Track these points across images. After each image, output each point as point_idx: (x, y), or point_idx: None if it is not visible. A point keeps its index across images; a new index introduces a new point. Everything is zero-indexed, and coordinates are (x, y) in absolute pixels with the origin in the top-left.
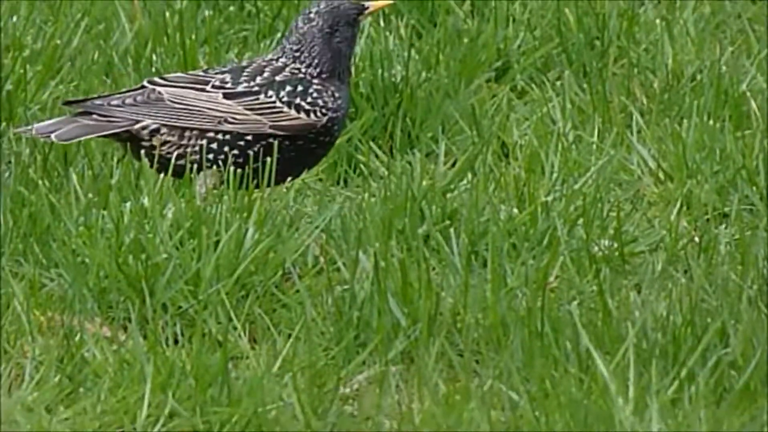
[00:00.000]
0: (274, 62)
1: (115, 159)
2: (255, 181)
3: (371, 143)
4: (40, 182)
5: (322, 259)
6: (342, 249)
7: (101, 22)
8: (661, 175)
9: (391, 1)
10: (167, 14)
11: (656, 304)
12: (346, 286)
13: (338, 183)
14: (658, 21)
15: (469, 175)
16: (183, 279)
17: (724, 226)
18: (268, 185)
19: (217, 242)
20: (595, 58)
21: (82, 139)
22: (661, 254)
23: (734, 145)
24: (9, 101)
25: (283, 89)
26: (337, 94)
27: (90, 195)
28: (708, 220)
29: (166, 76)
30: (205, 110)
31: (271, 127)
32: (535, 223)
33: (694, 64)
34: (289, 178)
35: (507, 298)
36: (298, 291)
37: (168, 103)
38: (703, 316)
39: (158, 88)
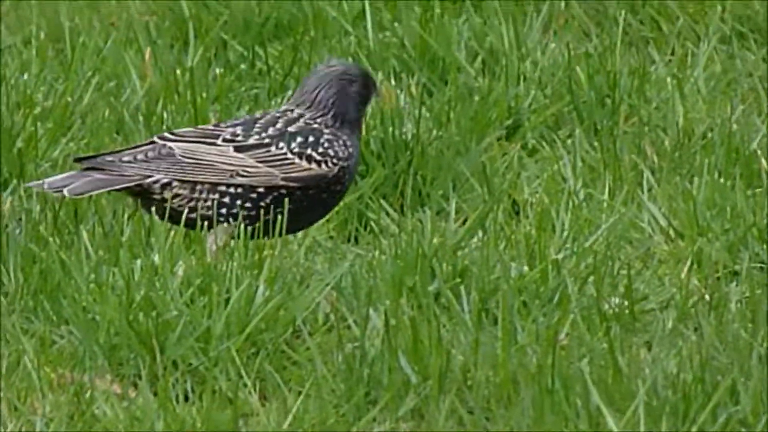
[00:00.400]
0: (288, 113)
1: (126, 216)
2: (266, 233)
3: (382, 201)
4: (50, 239)
5: (332, 317)
6: (352, 306)
7: (112, 80)
8: (672, 233)
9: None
10: (178, 72)
11: (667, 361)
12: (356, 344)
13: (349, 240)
14: (669, 79)
15: (480, 233)
16: (193, 336)
17: (734, 283)
18: (280, 235)
19: (228, 299)
20: (606, 115)
21: (94, 193)
22: (671, 312)
23: (745, 203)
24: (20, 158)
25: (294, 140)
26: (348, 143)
27: (100, 252)
28: (718, 278)
29: (176, 131)
30: (216, 164)
31: (282, 178)
32: (545, 281)
33: (704, 122)
34: (301, 229)
35: (517, 355)
36: (308, 348)
37: (179, 158)
38: (713, 374)
39: (169, 143)
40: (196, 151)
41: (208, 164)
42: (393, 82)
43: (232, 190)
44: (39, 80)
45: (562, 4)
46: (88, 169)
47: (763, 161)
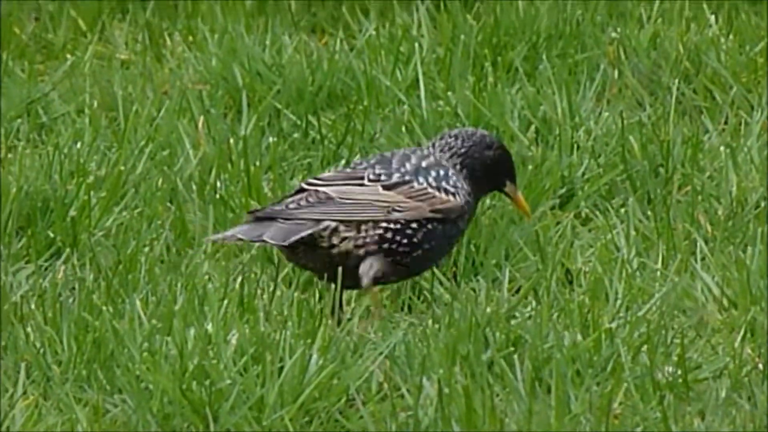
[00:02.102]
0: (419, 151)
1: (179, 284)
2: (405, 273)
3: (435, 269)
4: (104, 308)
5: (386, 386)
6: (406, 375)
7: (165, 149)
8: (725, 302)
9: (527, 215)
10: (231, 141)
11: (721, 430)
12: (410, 413)
13: (402, 309)
14: (722, 148)
15: (533, 302)
16: (247, 405)
17: None
18: (418, 273)
19: (281, 368)
20: (660, 185)
21: (293, 239)
22: (725, 381)
23: None
24: (73, 227)
25: (429, 175)
26: (468, 189)
27: (153, 321)
28: None
29: (320, 176)
30: (373, 202)
31: (430, 211)
32: (598, 350)
33: (758, 191)
34: (430, 266)
35: (571, 424)
36: (361, 417)
37: (338, 201)
38: None
39: (322, 189)
40: (350, 192)
41: (367, 203)
42: None
43: (391, 226)
44: (92, 149)
45: (616, 73)
46: (259, 219)
47: None
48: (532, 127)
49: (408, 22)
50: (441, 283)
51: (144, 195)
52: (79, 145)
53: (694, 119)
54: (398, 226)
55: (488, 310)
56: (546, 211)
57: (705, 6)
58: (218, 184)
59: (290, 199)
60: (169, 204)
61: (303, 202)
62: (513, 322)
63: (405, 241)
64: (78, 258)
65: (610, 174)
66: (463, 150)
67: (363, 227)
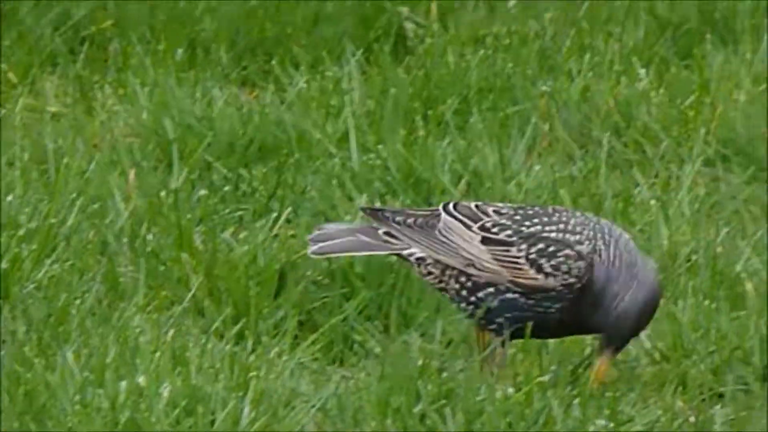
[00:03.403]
0: (580, 227)
1: (111, 336)
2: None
3: (367, 323)
4: (35, 360)
5: None
6: (338, 428)
7: (96, 201)
8: (657, 356)
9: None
10: (162, 193)
11: None
12: None
13: (334, 362)
14: (653, 202)
15: (466, 355)
16: None
17: (719, 406)
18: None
19: (213, 421)
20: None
21: (345, 255)
22: None
23: (729, 325)
24: (4, 279)
25: (537, 245)
26: (582, 277)
27: (86, 373)
28: (703, 400)
29: (459, 203)
30: (459, 248)
31: (509, 281)
32: (531, 403)
33: (689, 245)
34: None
35: None
36: None
37: (437, 232)
38: None
39: (444, 215)
40: (453, 230)
41: (455, 248)
42: (378, 204)
43: (470, 282)
44: (23, 201)
45: (546, 126)
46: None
47: (748, 284)
48: (463, 181)
49: (338, 75)
50: (373, 336)
51: (75, 247)
52: (10, 197)
53: (624, 173)
54: (473, 283)
55: (420, 362)
56: None
57: (635, 60)
58: (149, 237)
59: (411, 213)
60: (100, 257)
61: (410, 220)
62: (445, 374)
63: (482, 302)
64: (9, 310)
65: None
66: (607, 247)
67: (447, 271)
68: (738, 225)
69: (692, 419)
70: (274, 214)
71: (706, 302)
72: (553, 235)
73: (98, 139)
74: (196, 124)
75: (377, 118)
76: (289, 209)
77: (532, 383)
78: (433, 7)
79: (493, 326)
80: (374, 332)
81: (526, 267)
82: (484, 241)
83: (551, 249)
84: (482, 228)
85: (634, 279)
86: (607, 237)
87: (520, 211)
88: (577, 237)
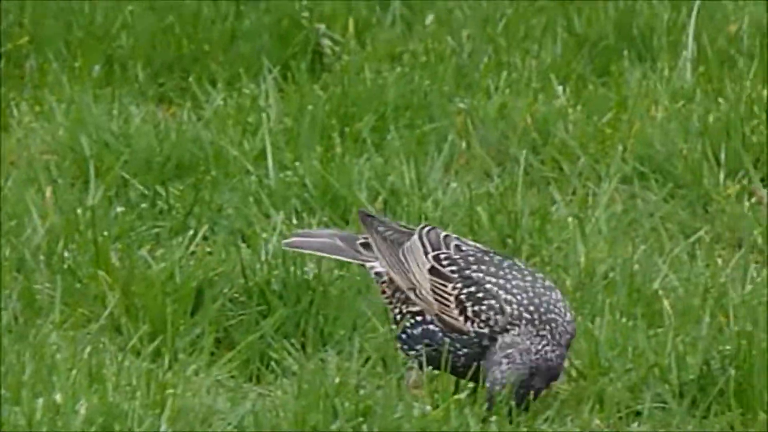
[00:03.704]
0: (535, 281)
1: (27, 354)
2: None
3: (284, 340)
4: None
5: None
6: None
7: (13, 219)
8: (574, 373)
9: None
10: (79, 211)
11: None
12: None
13: (251, 380)
14: (570, 219)
15: (383, 372)
16: None
17: (636, 424)
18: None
19: None
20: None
21: (314, 254)
22: None
23: (646, 342)
24: None
25: (468, 288)
26: (502, 329)
27: (2, 390)
28: (621, 417)
29: (434, 230)
30: (409, 272)
31: (435, 315)
32: (448, 420)
33: (606, 262)
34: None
35: None
36: None
37: (400, 252)
38: None
39: (414, 236)
40: (413, 252)
41: (405, 270)
42: (295, 221)
43: (409, 307)
44: None
45: (464, 143)
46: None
47: (665, 301)
48: (380, 198)
49: (255, 92)
50: (290, 354)
51: None
52: None
53: (542, 190)
54: (409, 309)
55: (337, 380)
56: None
57: (553, 77)
58: (66, 254)
59: (393, 230)
60: (16, 274)
61: (389, 234)
62: (362, 392)
63: (409, 328)
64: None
65: None
66: (539, 313)
67: (397, 293)
68: (655, 242)
69: None
70: (191, 232)
71: (624, 320)
72: (488, 285)
73: (15, 156)
74: (113, 141)
75: (294, 135)
76: (206, 226)
77: (450, 401)
78: (350, 24)
79: (413, 353)
80: (291, 350)
81: (453, 306)
82: (431, 270)
83: (479, 295)
84: (435, 258)
85: (526, 365)
86: (542, 316)
87: (479, 255)
88: (510, 297)
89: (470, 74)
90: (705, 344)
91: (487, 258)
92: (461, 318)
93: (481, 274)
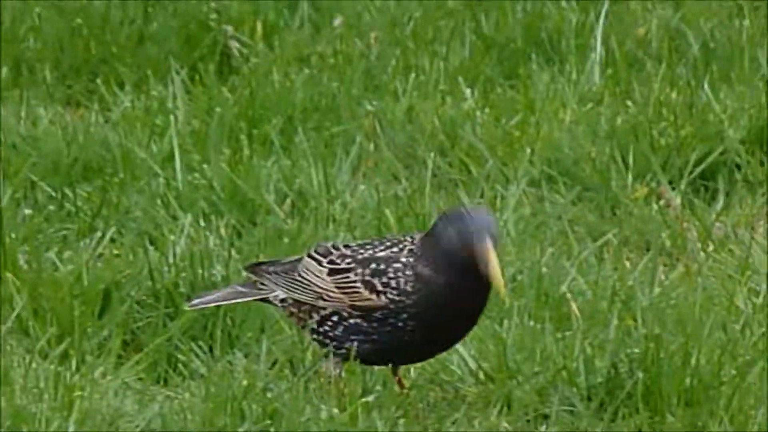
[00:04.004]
0: (402, 240)
1: None
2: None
3: (192, 343)
4: None
5: None
6: None
7: None
8: (482, 376)
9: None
10: None
11: None
12: None
13: (158, 382)
14: None
15: (290, 375)
16: None
17: (544, 427)
18: (366, 363)
19: None
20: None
21: (218, 304)
22: None
23: (554, 345)
24: None
25: (369, 267)
26: (421, 279)
27: None
28: (528, 420)
29: (320, 244)
30: (312, 284)
31: (349, 306)
32: (355, 423)
33: (514, 265)
34: (393, 362)
35: None
36: None
37: (296, 274)
38: None
39: (306, 258)
40: (308, 268)
41: (307, 284)
42: (202, 223)
43: (317, 316)
44: None
45: (372, 146)
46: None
47: (573, 304)
48: (288, 200)
49: (163, 95)
50: (197, 356)
51: None
52: None
53: (449, 192)
54: (322, 315)
55: (245, 383)
56: None
57: (461, 79)
58: None
59: (283, 263)
60: None
61: (280, 268)
62: (270, 395)
63: (329, 332)
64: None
65: None
66: (432, 237)
67: (303, 308)
68: (563, 245)
69: None
70: (99, 234)
71: (531, 323)
72: (381, 254)
73: None
74: (20, 143)
75: (202, 138)
76: (114, 229)
77: (357, 404)
78: (258, 26)
79: (342, 351)
80: (199, 352)
81: (362, 289)
82: (330, 272)
83: (381, 267)
84: (330, 261)
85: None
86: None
87: (362, 242)
88: (397, 249)
89: (378, 76)
90: (613, 347)
91: (369, 241)
92: (373, 295)
93: (371, 251)
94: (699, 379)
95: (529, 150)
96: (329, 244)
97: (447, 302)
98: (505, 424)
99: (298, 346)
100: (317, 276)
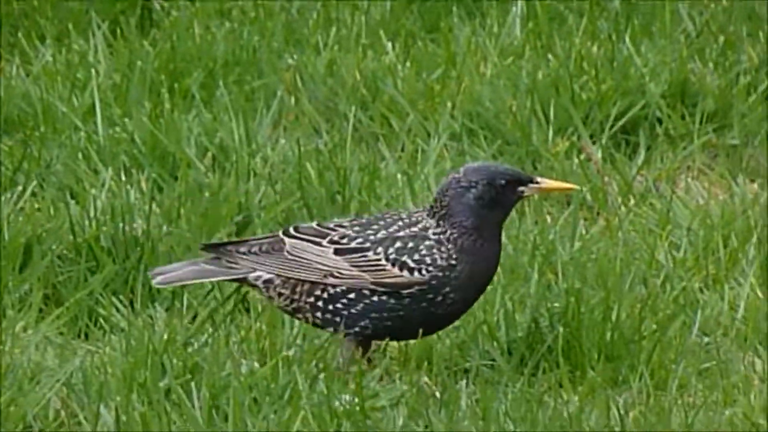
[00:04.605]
0: (413, 216)
1: None
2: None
3: (112, 297)
4: None
5: (63, 413)
6: (83, 403)
7: None
8: None
9: (572, 187)
10: None
11: None
12: None
13: (79, 336)
14: (399, 176)
15: (210, 329)
16: None
17: (464, 381)
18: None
19: None
20: (337, 212)
21: (189, 283)
22: (402, 409)
23: None
24: None
25: (394, 245)
26: (453, 253)
27: None
28: (449, 375)
29: (300, 226)
30: (313, 263)
31: (372, 283)
32: (276, 378)
33: None
34: (410, 337)
35: None
36: None
37: (285, 254)
38: None
39: (285, 239)
40: (303, 248)
41: (308, 263)
42: (123, 177)
43: (326, 294)
44: None
45: (293, 100)
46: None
47: None
48: (209, 154)
49: (85, 48)
50: (118, 310)
51: None
52: None
53: (371, 146)
54: (333, 293)
55: (165, 337)
56: (223, 237)
57: (382, 33)
58: None
59: (256, 242)
60: None
61: (255, 248)
62: (190, 349)
63: (342, 310)
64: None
65: (287, 201)
66: (443, 210)
67: (298, 288)
68: None
69: (438, 395)
70: (20, 188)
71: None
72: (402, 233)
73: None
74: None
75: (123, 92)
76: (35, 183)
77: (278, 358)
78: None
79: (355, 329)
80: (120, 306)
81: (390, 267)
82: (338, 252)
83: (410, 245)
84: (331, 241)
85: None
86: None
87: (371, 220)
88: (428, 224)
89: (299, 30)
90: (533, 302)
91: (379, 217)
92: (406, 273)
93: (384, 231)
94: (619, 334)
95: (450, 104)
96: (313, 224)
97: (487, 267)
98: (426, 379)
99: (219, 300)
100: (320, 255)
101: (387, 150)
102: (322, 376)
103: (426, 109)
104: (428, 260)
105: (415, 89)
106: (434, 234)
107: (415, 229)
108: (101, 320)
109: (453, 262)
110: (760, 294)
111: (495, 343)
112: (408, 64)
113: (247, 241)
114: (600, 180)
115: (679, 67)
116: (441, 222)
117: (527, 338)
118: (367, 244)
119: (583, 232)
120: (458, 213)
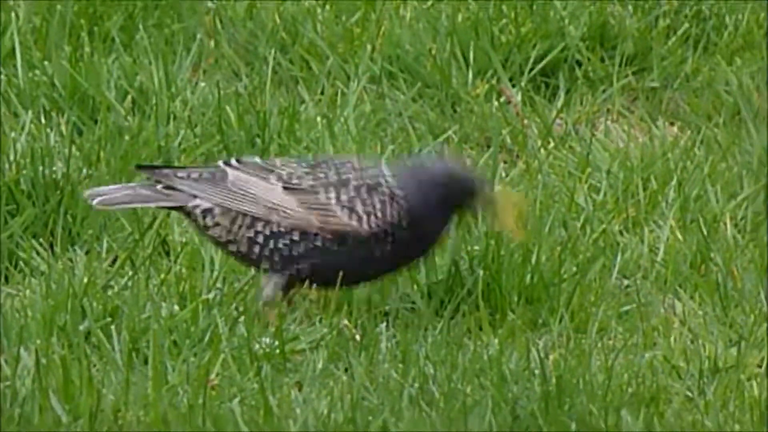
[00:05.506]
0: (372, 169)
1: None
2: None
3: (32, 240)
4: None
5: None
6: (3, 346)
7: None
8: None
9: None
10: None
11: (317, 401)
12: (7, 383)
13: None
14: (318, 119)
15: (130, 272)
16: None
17: (384, 324)
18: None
19: None
20: (257, 155)
21: (126, 207)
22: (322, 352)
23: None
24: None
25: (348, 192)
26: (404, 213)
27: None
28: (369, 318)
29: (244, 160)
30: (260, 198)
31: (318, 227)
32: (196, 321)
33: None
34: (351, 283)
35: (168, 395)
36: None
37: (228, 185)
38: (364, 414)
39: (228, 170)
40: (248, 182)
41: (252, 197)
42: (43, 120)
43: (268, 230)
44: None
45: (212, 43)
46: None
47: None
48: (129, 97)
49: None
50: (38, 254)
51: None
52: None
53: (290, 90)
54: (275, 230)
55: (85, 280)
56: (143, 181)
57: None
58: None
59: (195, 169)
60: None
61: (194, 175)
62: (110, 292)
63: (282, 250)
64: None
65: (206, 144)
66: (413, 191)
67: (238, 221)
68: (404, 142)
69: (358, 337)
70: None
71: None
72: (356, 181)
73: None
74: None
75: (43, 35)
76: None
77: (198, 301)
78: None
79: (290, 270)
80: (39, 249)
81: (340, 212)
82: (287, 190)
83: (364, 195)
84: (279, 178)
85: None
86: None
87: (328, 163)
88: (373, 179)
89: None
90: (453, 245)
91: (335, 161)
92: (353, 221)
93: (336, 176)
94: (539, 276)
95: (369, 47)
96: (257, 159)
97: (430, 234)
98: (346, 322)
99: (139, 243)
100: (268, 191)
101: (306, 93)
102: (242, 319)
103: (345, 52)
104: (378, 213)
105: (334, 32)
106: (387, 188)
107: (369, 180)
108: (21, 263)
109: (401, 222)
110: (679, 236)
111: (415, 287)
112: (327, 7)
113: (184, 167)
114: (519, 123)
115: (599, 10)
116: (399, 183)
117: (447, 281)
118: (318, 187)
119: (503, 174)
120: (417, 193)
